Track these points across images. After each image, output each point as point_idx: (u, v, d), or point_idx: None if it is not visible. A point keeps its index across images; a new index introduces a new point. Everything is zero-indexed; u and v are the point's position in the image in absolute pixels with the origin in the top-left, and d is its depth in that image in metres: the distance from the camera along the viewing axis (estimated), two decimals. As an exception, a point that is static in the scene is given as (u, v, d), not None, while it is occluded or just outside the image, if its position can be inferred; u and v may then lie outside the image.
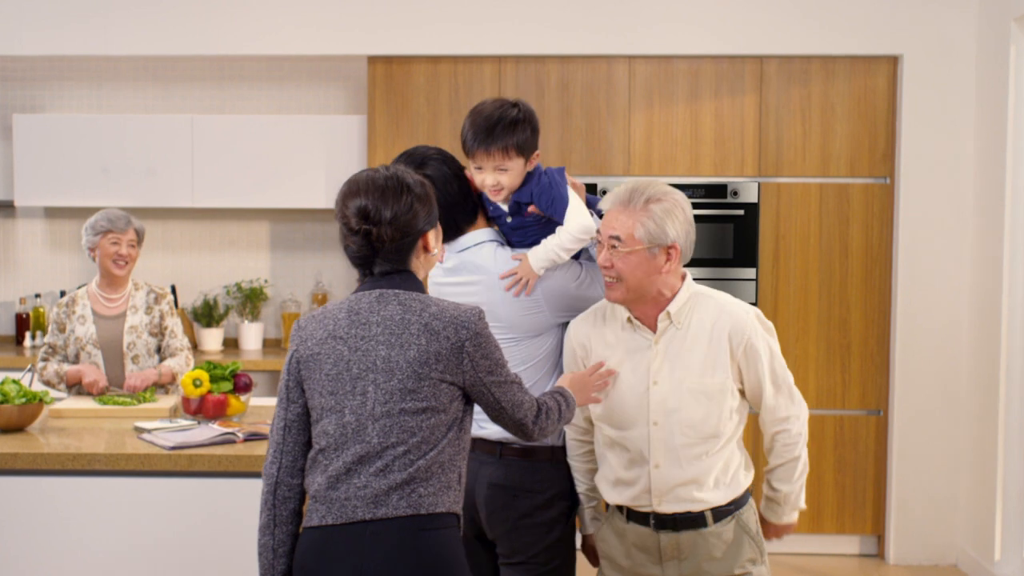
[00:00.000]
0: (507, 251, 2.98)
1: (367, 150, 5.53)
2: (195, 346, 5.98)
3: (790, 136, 5.35)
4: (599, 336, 2.87)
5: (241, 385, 4.01)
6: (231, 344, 6.07)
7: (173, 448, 3.48)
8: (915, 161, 5.30)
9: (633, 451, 2.81)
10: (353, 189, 2.46)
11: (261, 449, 3.57)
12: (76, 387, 4.44)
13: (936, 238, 5.32)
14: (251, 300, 5.96)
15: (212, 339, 5.90)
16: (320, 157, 5.72)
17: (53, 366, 4.43)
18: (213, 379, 3.95)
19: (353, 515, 2.37)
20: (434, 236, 2.53)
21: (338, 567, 2.37)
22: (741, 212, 5.36)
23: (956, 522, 5.38)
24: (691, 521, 2.81)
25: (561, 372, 2.99)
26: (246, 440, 3.62)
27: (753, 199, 5.36)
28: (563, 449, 3.02)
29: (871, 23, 5.28)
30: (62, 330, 4.48)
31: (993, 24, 5.12)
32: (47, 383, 4.43)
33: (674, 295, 2.79)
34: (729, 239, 5.37)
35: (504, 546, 2.98)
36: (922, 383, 5.34)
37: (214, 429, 3.70)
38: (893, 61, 5.34)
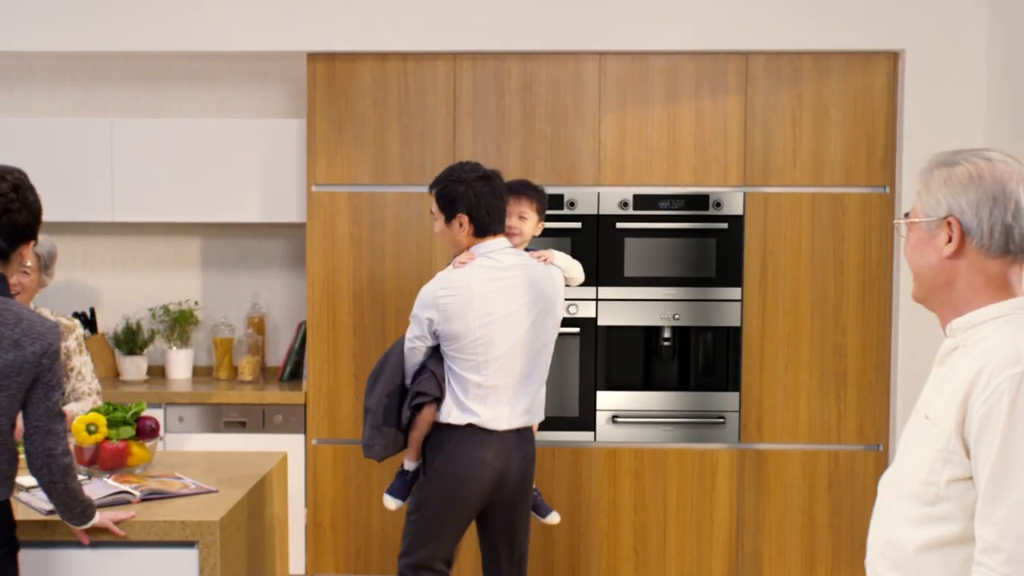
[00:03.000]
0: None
1: (307, 157, 4.98)
2: (116, 375, 5.40)
3: (779, 141, 4.90)
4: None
5: (146, 430, 3.41)
6: (157, 373, 5.48)
7: (50, 512, 2.88)
8: (917, 168, 4.75)
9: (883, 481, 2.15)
10: None
11: (162, 512, 2.97)
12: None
13: (941, 254, 4.82)
14: (180, 324, 5.40)
15: (135, 368, 5.31)
16: (256, 165, 5.17)
17: None
18: (111, 423, 3.36)
19: None
20: (28, 250, 2.85)
21: None
22: (724, 225, 4.89)
23: (964, 569, 4.88)
24: None
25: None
26: (144, 500, 3.02)
27: (738, 211, 4.89)
28: None
29: (869, 15, 4.83)
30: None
31: (1005, 15, 4.68)
32: None
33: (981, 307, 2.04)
34: (711, 255, 4.90)
35: (526, 502, 3.82)
36: (926, 415, 4.83)
37: (107, 485, 3.11)
38: (893, 57, 4.89)
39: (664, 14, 4.85)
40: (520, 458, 3.74)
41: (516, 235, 3.90)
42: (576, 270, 3.99)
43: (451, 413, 3.65)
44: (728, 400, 4.93)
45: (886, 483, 2.12)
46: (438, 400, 3.67)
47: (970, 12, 4.82)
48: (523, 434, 3.76)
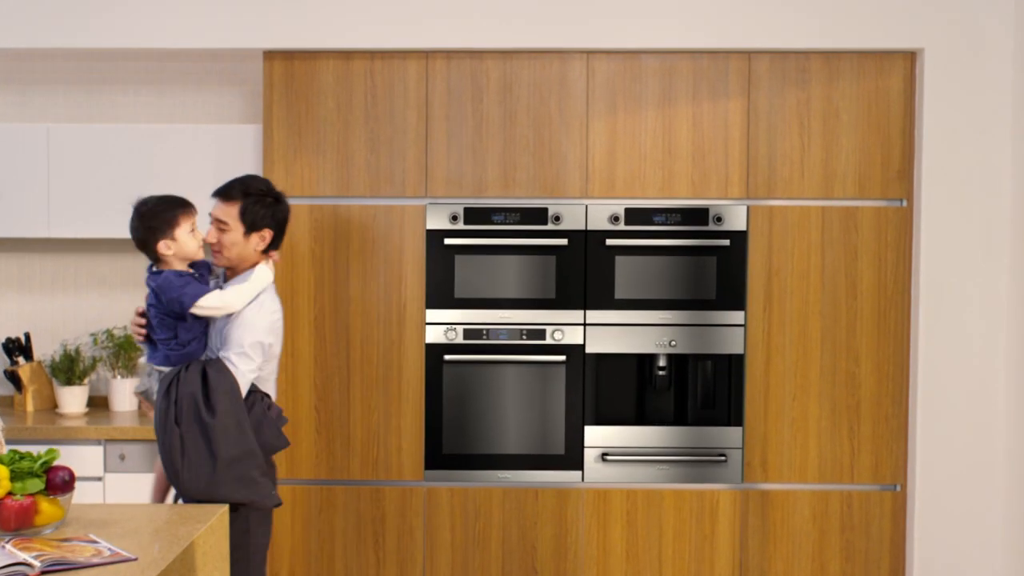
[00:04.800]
0: None
1: (263, 165, 4.59)
2: (54, 407, 4.97)
3: (785, 149, 4.60)
4: None
5: (57, 483, 2.93)
6: (100, 404, 5.07)
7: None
8: (938, 179, 4.56)
9: None
10: None
11: (65, 587, 2.48)
12: None
13: (964, 273, 4.58)
14: (124, 350, 4.98)
15: (74, 399, 4.87)
16: (208, 175, 4.75)
17: None
18: (16, 475, 2.88)
19: None
20: None
21: None
22: (726, 242, 4.58)
23: (991, 622, 4.62)
24: None
25: None
26: (44, 573, 2.54)
27: (741, 226, 4.59)
28: None
29: (884, 11, 4.54)
30: None
31: (1035, 10, 4.37)
32: None
33: None
34: (711, 275, 4.58)
35: None
36: (948, 451, 4.58)
37: (4, 553, 2.62)
38: (911, 57, 4.60)
39: (658, 9, 4.55)
40: None
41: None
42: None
43: None
44: (730, 436, 4.62)
45: None
46: None
47: (995, 6, 4.54)
48: None
